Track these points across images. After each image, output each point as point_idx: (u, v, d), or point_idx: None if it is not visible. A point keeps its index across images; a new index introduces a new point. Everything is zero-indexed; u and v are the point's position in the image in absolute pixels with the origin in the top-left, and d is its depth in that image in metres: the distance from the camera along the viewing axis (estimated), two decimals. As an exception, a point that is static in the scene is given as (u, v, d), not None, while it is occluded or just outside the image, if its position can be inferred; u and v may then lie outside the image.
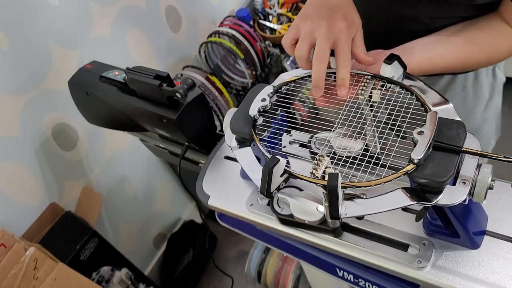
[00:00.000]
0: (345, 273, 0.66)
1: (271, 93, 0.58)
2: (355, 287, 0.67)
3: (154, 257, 1.64)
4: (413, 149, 0.45)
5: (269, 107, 0.57)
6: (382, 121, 0.54)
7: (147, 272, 1.59)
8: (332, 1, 0.57)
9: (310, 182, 0.47)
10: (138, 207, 1.50)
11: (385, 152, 0.50)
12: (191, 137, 0.79)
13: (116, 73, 0.82)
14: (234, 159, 0.71)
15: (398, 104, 0.54)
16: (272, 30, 1.56)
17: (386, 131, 0.53)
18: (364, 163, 0.48)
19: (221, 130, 0.97)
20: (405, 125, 0.51)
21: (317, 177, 0.46)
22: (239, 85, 1.58)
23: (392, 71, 0.55)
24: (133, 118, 0.84)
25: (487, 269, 0.50)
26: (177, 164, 1.03)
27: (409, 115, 0.51)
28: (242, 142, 0.56)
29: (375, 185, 0.45)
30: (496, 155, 0.43)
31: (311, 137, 0.63)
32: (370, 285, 0.65)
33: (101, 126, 0.96)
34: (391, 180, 0.45)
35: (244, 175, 0.67)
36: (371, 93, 0.55)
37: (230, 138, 0.57)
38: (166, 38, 1.43)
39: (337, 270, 0.67)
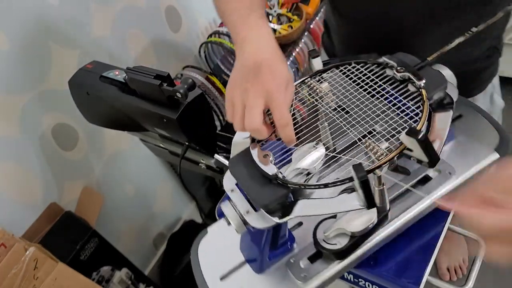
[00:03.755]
0: (345, 273, 0.66)
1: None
2: (355, 287, 0.67)
3: (154, 257, 1.64)
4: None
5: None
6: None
7: (147, 272, 1.59)
8: (255, 59, 0.51)
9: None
10: (138, 207, 1.50)
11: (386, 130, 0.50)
12: (191, 137, 0.79)
13: (117, 73, 0.82)
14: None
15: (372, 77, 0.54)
16: (272, 30, 1.56)
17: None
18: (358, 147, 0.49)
19: (221, 130, 0.97)
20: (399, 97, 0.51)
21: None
22: (239, 85, 1.57)
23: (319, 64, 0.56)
24: (134, 118, 0.84)
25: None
26: (177, 164, 1.04)
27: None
28: None
29: (394, 156, 0.45)
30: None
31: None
32: (370, 285, 0.65)
33: (101, 126, 0.96)
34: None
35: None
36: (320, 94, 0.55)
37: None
38: (166, 38, 1.43)
39: (337, 270, 0.67)
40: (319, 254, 0.58)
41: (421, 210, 0.57)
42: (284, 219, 0.45)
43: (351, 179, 0.44)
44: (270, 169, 0.47)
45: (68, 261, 1.06)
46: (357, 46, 0.81)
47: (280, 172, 0.47)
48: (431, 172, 0.58)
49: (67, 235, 1.11)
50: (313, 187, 0.45)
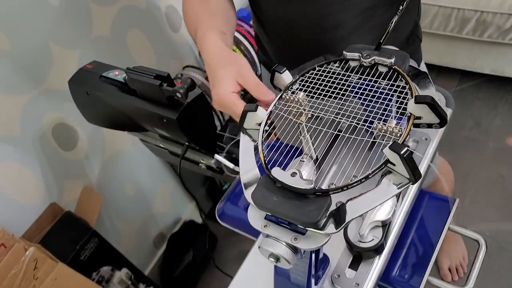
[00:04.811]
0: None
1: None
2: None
3: (154, 257, 1.64)
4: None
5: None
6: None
7: (147, 272, 1.59)
8: (219, 61, 0.61)
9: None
10: (138, 207, 1.50)
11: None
12: (191, 137, 0.79)
13: (117, 73, 0.82)
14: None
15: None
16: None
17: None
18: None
19: (221, 130, 0.97)
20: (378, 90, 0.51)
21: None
22: (239, 85, 1.57)
23: (289, 77, 0.56)
24: (133, 118, 0.84)
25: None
26: (177, 164, 1.04)
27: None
28: None
29: (411, 126, 0.45)
30: None
31: None
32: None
33: (101, 126, 0.96)
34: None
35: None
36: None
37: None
38: (166, 38, 1.43)
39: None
40: (359, 258, 0.58)
41: (424, 171, 0.62)
42: (341, 227, 0.43)
43: (386, 162, 0.43)
44: (305, 184, 0.44)
45: (68, 261, 1.06)
46: (291, 52, 0.85)
47: (313, 181, 0.45)
48: (410, 144, 0.64)
49: (67, 235, 1.11)
50: (355, 184, 0.44)
